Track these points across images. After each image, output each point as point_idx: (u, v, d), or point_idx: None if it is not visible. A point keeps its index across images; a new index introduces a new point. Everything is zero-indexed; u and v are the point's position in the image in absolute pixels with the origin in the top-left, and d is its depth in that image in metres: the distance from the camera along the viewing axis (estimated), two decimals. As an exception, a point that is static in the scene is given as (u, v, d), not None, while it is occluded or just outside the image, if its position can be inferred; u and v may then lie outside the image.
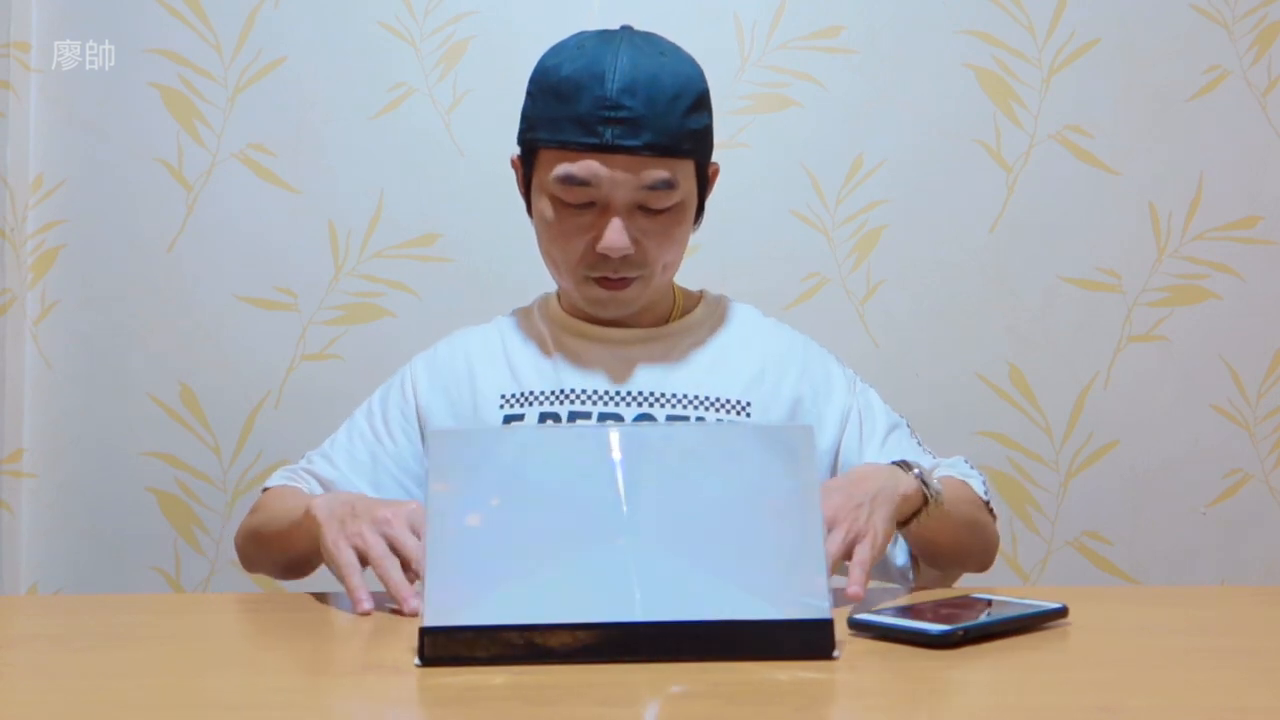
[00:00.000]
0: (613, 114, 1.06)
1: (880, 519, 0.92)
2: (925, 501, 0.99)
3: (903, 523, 0.99)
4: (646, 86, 1.07)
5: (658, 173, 1.08)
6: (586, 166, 1.07)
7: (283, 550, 1.10)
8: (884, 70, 1.75)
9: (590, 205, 1.10)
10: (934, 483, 1.00)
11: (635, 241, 1.10)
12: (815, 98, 1.75)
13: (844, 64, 1.75)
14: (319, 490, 1.15)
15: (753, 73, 1.76)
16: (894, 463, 1.01)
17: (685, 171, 1.11)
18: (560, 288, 1.20)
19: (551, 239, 1.13)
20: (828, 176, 1.76)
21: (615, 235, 1.08)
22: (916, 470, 0.99)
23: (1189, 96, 1.77)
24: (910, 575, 1.13)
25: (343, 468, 1.17)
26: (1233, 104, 1.77)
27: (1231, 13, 1.76)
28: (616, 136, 1.06)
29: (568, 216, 1.10)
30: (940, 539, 1.07)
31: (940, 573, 1.15)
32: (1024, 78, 1.76)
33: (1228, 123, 1.76)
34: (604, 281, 1.12)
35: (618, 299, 1.13)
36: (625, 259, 1.10)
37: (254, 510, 1.17)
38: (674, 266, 1.16)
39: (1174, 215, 1.77)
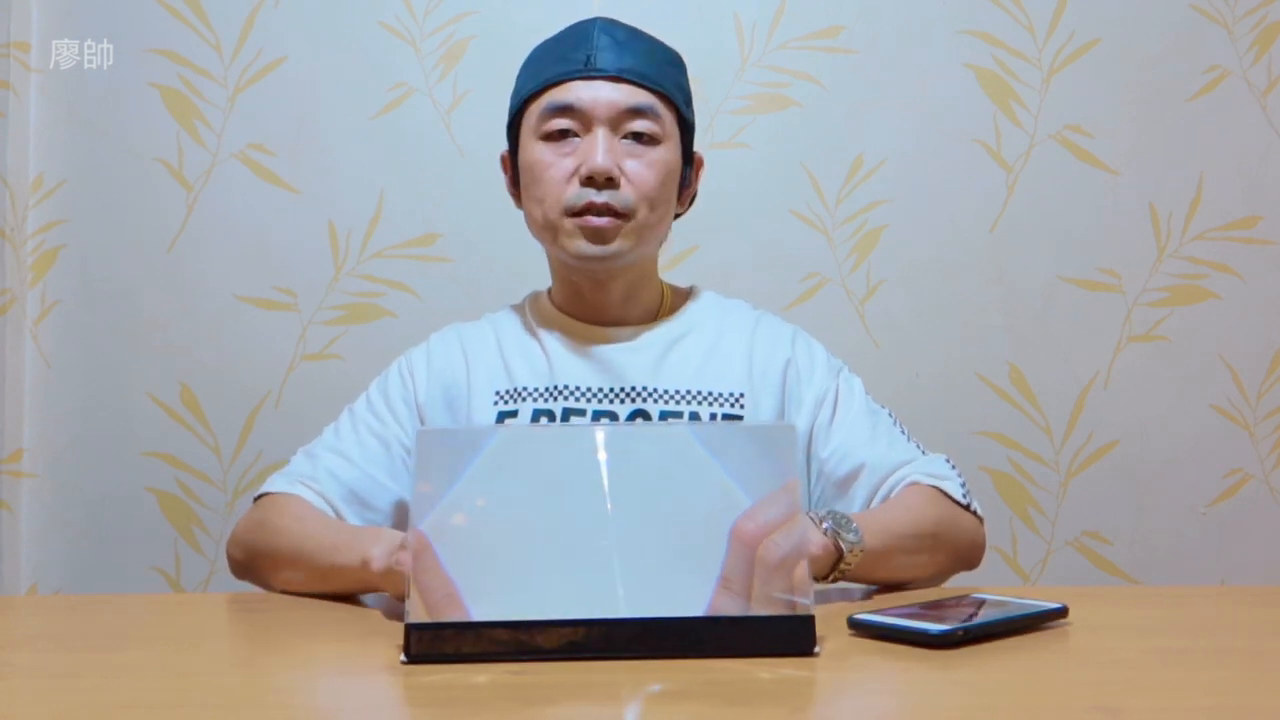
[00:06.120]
0: (595, 43, 1.13)
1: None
2: (841, 554, 0.93)
3: (820, 577, 0.94)
4: (626, 32, 1.15)
5: (640, 94, 1.12)
6: (569, 89, 1.12)
7: (311, 580, 1.02)
8: (884, 70, 1.75)
9: (575, 137, 1.12)
10: (850, 534, 0.94)
11: (620, 171, 1.11)
12: (815, 98, 1.75)
13: (844, 64, 1.75)
14: (335, 494, 1.12)
15: (753, 73, 1.75)
16: (809, 513, 0.95)
17: (668, 116, 1.15)
18: (548, 251, 1.19)
19: (537, 180, 1.13)
20: (828, 176, 1.75)
21: (600, 152, 1.10)
22: (827, 524, 0.94)
23: (1189, 96, 1.77)
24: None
25: (359, 462, 1.14)
26: (1233, 104, 1.76)
27: (1231, 13, 1.76)
28: (599, 61, 1.12)
29: (554, 150, 1.12)
30: (881, 576, 1.01)
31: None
32: (1024, 78, 1.76)
33: (1228, 123, 1.76)
34: (591, 212, 1.10)
35: (603, 236, 1.11)
36: (609, 184, 1.10)
37: (260, 526, 1.09)
38: (659, 228, 1.16)
39: (1174, 215, 1.77)
